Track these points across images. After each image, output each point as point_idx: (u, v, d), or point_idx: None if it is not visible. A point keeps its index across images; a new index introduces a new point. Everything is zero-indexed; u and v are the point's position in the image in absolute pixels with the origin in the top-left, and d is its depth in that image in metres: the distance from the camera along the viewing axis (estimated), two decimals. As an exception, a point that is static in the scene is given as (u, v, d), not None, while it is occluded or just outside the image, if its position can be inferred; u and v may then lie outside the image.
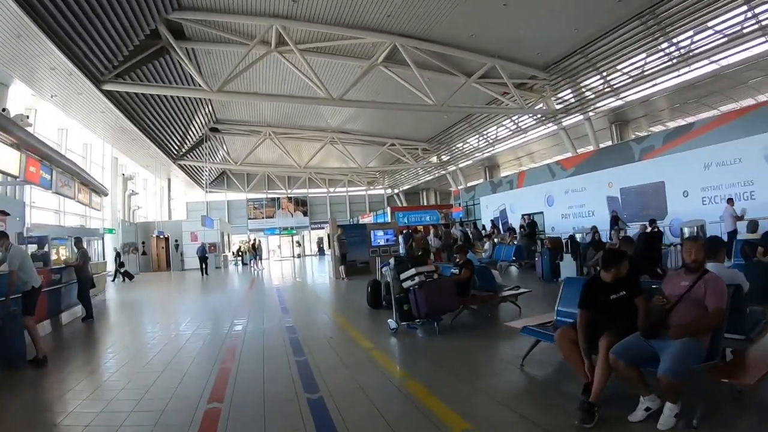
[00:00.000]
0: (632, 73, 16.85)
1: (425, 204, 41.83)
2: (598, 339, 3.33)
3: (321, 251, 40.75)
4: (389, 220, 25.80)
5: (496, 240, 16.34)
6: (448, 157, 31.20)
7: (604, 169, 17.58)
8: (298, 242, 43.03)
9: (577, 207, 19.01)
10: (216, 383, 4.31)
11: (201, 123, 24.22)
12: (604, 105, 18.91)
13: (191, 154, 27.18)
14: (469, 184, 30.74)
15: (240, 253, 32.78)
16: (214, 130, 27.01)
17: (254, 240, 29.90)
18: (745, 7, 12.99)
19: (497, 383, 4.03)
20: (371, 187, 43.82)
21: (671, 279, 3.47)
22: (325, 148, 29.43)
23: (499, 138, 25.47)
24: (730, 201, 11.91)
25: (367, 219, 33.72)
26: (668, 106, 19.48)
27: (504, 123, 24.14)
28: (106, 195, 17.01)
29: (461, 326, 6.32)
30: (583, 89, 18.84)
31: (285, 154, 29.22)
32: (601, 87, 18.10)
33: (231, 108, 24.60)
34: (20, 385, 4.64)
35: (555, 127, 21.36)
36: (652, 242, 9.91)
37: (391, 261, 6.29)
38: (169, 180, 31.77)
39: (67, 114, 17.04)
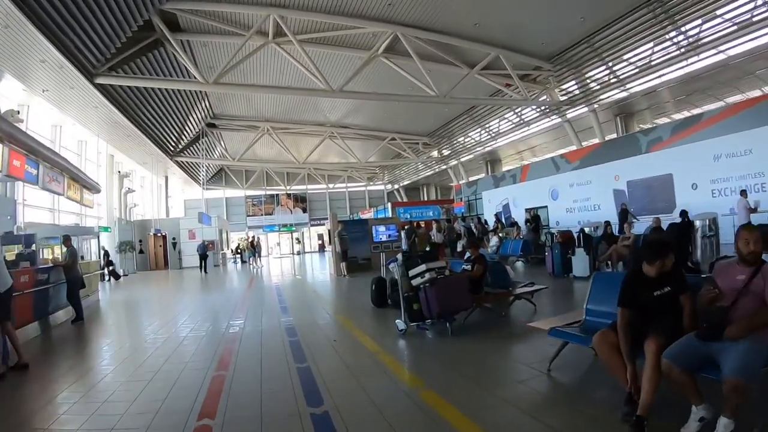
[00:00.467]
0: (639, 64, 16.49)
1: (425, 199, 41.45)
2: (640, 341, 2.94)
3: (322, 248, 40.40)
4: (390, 216, 25.42)
5: (501, 235, 15.95)
6: (449, 152, 30.79)
7: (611, 161, 17.24)
8: (297, 239, 42.64)
9: (582, 201, 18.67)
10: (208, 395, 3.86)
11: (198, 118, 23.78)
12: (609, 97, 18.55)
13: (188, 150, 26.74)
14: (470, 179, 30.34)
15: (239, 251, 32.42)
16: (211, 125, 26.61)
17: (253, 237, 29.51)
18: (755, -6, 12.64)
19: (523, 391, 3.59)
20: (371, 183, 43.46)
21: (724, 272, 3.03)
22: (324, 144, 29.04)
23: (501, 131, 25.06)
24: (743, 193, 11.54)
25: (368, 215, 33.34)
26: (673, 98, 19.08)
27: (506, 116, 23.73)
28: (98, 192, 16.54)
29: (475, 326, 5.88)
30: (588, 80, 18.44)
31: (284, 149, 28.81)
32: (606, 78, 17.71)
33: (228, 103, 24.17)
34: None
35: (559, 120, 20.98)
36: (683, 234, 9.45)
37: (399, 256, 5.84)
38: (167, 177, 31.34)
39: (60, 109, 16.52)
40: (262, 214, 41.24)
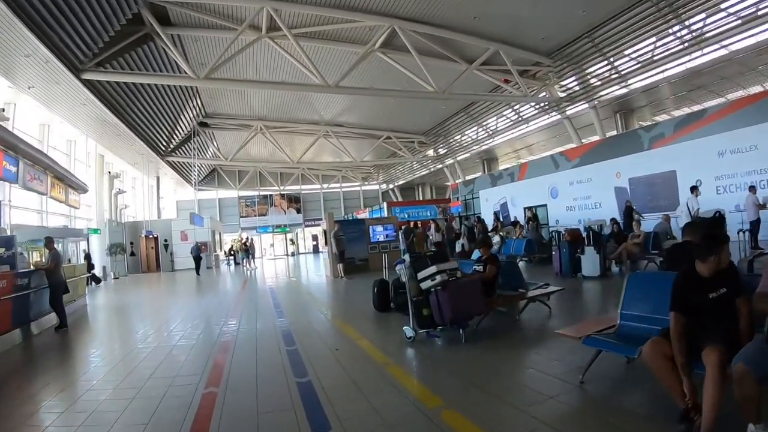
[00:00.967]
0: (641, 59, 16.20)
1: (420, 199, 41.08)
2: (695, 351, 2.58)
3: (316, 249, 39.94)
4: (386, 215, 25.03)
5: (501, 234, 15.58)
6: (446, 150, 30.43)
7: (612, 158, 16.97)
8: (291, 240, 42.10)
9: (582, 199, 18.39)
10: (198, 416, 3.40)
11: (189, 116, 23.22)
12: (609, 93, 18.27)
13: (180, 149, 26.17)
14: (467, 178, 30.00)
15: (232, 253, 31.80)
16: (203, 124, 26.05)
17: (246, 238, 28.95)
18: (760, -12, 12.40)
19: (558, 409, 3.15)
20: (365, 183, 43.01)
21: None
22: (318, 143, 28.56)
23: (499, 129, 24.71)
24: (752, 189, 11.23)
25: (363, 215, 32.91)
26: (674, 95, 18.83)
27: (504, 113, 23.38)
28: (85, 192, 15.96)
29: (488, 332, 5.45)
30: (589, 76, 18.13)
31: (277, 148, 28.29)
32: (607, 74, 17.41)
33: (220, 101, 23.63)
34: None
35: (558, 117, 20.67)
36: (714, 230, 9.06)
37: (407, 257, 5.39)
38: (158, 178, 30.69)
39: (47, 107, 15.95)
40: (255, 215, 40.68)
